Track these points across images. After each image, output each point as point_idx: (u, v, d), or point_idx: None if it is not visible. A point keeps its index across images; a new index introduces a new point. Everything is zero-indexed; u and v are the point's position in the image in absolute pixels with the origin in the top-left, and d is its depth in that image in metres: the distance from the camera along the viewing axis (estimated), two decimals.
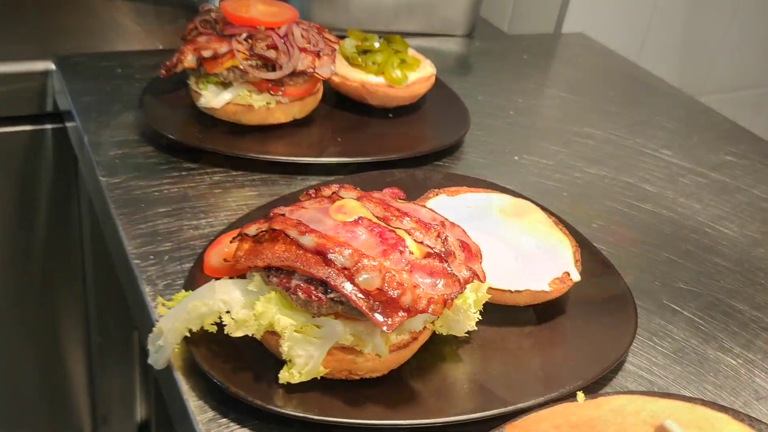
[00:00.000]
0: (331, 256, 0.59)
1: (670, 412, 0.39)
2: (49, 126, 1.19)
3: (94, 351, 1.38)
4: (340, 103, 1.08)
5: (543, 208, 0.84)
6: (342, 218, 0.63)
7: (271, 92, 0.95)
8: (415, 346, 0.64)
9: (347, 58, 1.07)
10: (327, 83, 1.06)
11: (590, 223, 0.94)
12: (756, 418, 0.61)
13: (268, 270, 0.61)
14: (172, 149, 0.93)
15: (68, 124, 1.14)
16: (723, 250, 0.94)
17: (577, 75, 1.46)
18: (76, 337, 1.40)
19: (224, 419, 0.60)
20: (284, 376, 0.60)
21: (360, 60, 1.06)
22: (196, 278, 0.69)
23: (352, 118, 1.06)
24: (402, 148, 0.99)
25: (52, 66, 1.11)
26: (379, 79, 1.05)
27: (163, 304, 0.64)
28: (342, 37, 1.09)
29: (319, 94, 1.04)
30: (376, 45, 1.07)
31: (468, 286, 0.66)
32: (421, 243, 0.62)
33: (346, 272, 0.58)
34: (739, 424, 0.42)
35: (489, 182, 0.92)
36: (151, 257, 0.75)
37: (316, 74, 0.96)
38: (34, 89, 1.12)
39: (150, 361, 0.63)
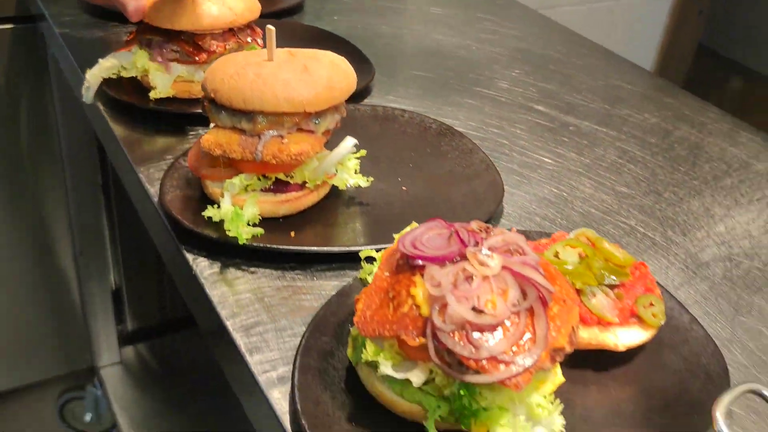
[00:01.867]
0: None
1: None
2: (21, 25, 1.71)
3: (69, 197, 1.92)
4: None
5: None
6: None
7: None
8: None
9: None
10: None
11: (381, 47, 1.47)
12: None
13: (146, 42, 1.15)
14: (104, 17, 1.46)
15: (40, 23, 1.67)
16: (456, 57, 1.48)
17: None
18: (55, 192, 1.93)
19: (116, 113, 1.14)
20: (153, 93, 1.13)
21: None
22: None
23: None
24: None
25: None
26: None
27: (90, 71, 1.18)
28: None
29: None
30: None
31: None
32: None
33: None
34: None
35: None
36: (90, 63, 1.28)
37: None
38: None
39: (83, 99, 1.17)
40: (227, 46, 1.13)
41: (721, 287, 0.93)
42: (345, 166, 0.95)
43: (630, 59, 1.60)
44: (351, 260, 0.86)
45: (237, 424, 1.98)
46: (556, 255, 0.80)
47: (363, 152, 0.97)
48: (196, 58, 1.11)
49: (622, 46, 1.81)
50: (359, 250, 0.84)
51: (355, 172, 0.97)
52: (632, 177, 1.13)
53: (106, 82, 1.16)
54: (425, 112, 1.23)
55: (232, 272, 0.86)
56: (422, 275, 0.65)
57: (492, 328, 0.61)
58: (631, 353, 0.78)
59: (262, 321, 0.80)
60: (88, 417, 2.25)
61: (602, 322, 0.76)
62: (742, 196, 1.12)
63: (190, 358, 2.28)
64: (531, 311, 0.63)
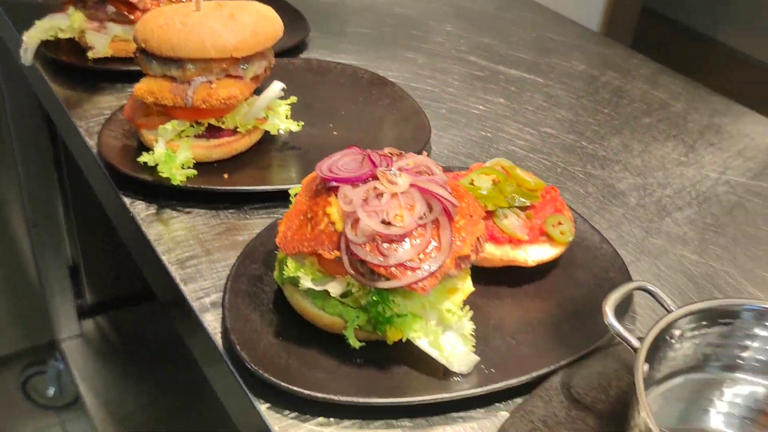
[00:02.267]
0: None
1: None
2: None
3: (20, 169, 1.93)
4: None
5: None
6: None
7: None
8: None
9: None
10: None
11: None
12: None
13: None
14: None
15: None
16: (392, 14, 1.52)
17: None
18: (5, 164, 1.94)
19: (56, 73, 1.16)
20: (90, 54, 1.16)
21: None
22: None
23: None
24: None
25: None
26: None
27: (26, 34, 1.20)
28: None
29: None
30: None
31: None
32: None
33: None
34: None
35: None
36: (28, 27, 1.29)
37: None
38: None
39: (22, 61, 1.19)
40: (160, 4, 1.16)
41: (634, 212, 0.99)
42: (276, 111, 0.99)
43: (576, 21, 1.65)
44: (282, 199, 0.91)
45: (196, 392, 2.03)
46: (472, 182, 0.85)
47: (293, 99, 1.01)
48: (131, 17, 1.14)
49: (567, 9, 1.86)
50: (289, 188, 0.88)
51: (287, 117, 1.01)
52: (556, 119, 1.19)
53: (45, 45, 1.19)
54: (360, 65, 1.27)
55: (168, 213, 0.90)
56: (337, 196, 0.69)
57: (400, 238, 0.67)
58: (545, 271, 0.84)
59: (197, 255, 0.84)
60: (51, 391, 2.27)
61: (513, 241, 0.81)
62: (660, 133, 1.18)
63: (149, 329, 2.31)
64: (437, 223, 0.68)
